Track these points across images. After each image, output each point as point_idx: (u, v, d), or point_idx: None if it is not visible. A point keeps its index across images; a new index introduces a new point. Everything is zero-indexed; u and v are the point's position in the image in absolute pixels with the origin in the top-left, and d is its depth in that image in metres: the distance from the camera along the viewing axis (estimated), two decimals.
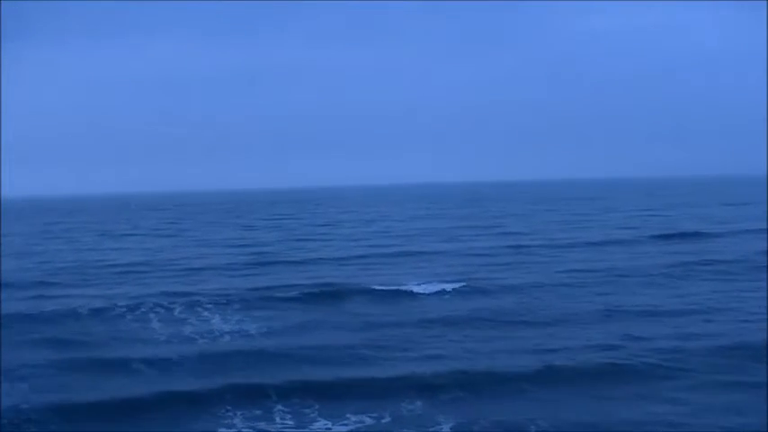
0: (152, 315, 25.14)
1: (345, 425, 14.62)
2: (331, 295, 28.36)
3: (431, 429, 14.32)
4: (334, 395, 16.09)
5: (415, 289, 29.26)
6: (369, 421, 14.75)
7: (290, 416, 15.08)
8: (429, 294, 28.27)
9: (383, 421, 14.75)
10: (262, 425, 14.68)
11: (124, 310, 25.79)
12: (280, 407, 15.52)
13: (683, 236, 48.64)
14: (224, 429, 14.54)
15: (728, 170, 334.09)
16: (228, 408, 15.46)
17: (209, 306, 26.25)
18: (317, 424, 14.74)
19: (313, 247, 48.53)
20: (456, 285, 29.48)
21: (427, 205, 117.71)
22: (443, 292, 28.56)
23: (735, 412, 14.62)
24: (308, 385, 16.64)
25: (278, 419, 14.95)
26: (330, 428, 14.54)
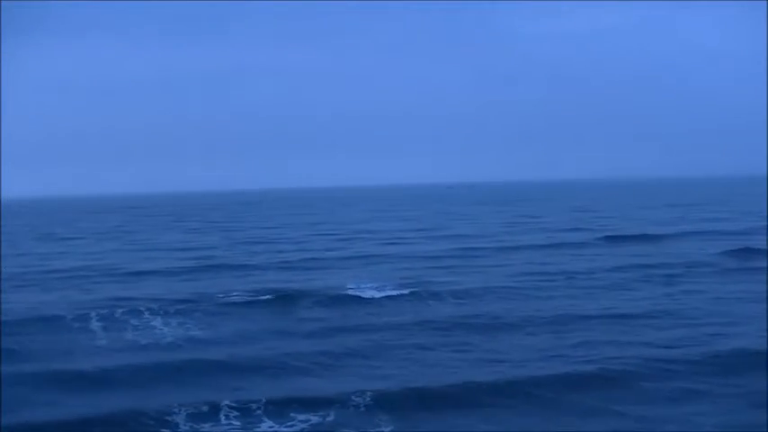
0: (90, 323, 24.23)
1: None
2: (278, 301, 27.76)
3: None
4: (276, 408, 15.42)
5: (363, 294, 28.81)
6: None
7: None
8: (377, 299, 27.80)
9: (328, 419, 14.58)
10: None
11: (60, 317, 24.85)
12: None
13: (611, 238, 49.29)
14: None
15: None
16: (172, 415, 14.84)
17: (152, 313, 25.46)
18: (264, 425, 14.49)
19: (261, 251, 47.86)
20: (405, 290, 29.10)
21: (381, 207, 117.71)
22: (391, 297, 28.12)
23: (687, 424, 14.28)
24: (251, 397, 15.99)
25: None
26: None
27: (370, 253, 44.30)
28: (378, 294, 28.58)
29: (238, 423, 14.61)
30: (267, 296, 28.52)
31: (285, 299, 27.95)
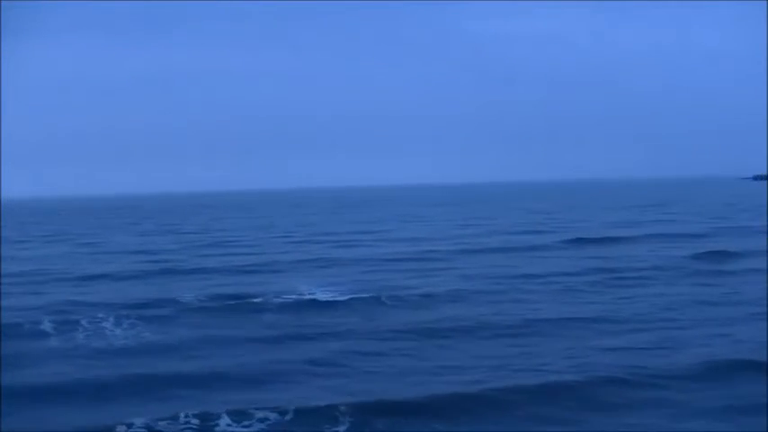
0: (38, 330, 23.58)
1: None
2: (231, 305, 27.38)
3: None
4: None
5: (318, 297, 28.55)
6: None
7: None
8: (330, 303, 27.51)
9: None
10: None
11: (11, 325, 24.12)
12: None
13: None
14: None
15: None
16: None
17: (102, 319, 24.80)
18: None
19: (215, 254, 47.37)
20: (360, 294, 28.85)
21: (333, 208, 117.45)
22: (345, 301, 27.78)
23: None
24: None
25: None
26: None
27: (326, 256, 44.01)
28: (331, 298, 28.31)
29: None
30: (221, 301, 28.18)
31: (238, 303, 27.59)
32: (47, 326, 23.92)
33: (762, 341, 19.99)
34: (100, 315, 25.38)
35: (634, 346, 20.05)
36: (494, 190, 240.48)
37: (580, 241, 48.67)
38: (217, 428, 14.43)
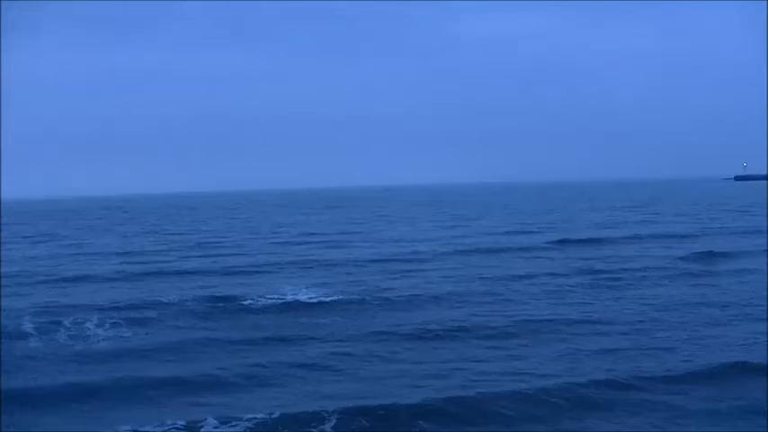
0: (20, 331, 23.23)
1: None
2: (217, 308, 27.04)
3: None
4: None
5: (302, 299, 28.32)
6: None
7: None
8: (318, 305, 27.24)
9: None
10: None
11: None
12: None
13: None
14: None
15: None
16: None
17: (84, 321, 24.48)
18: None
19: (199, 255, 47.07)
20: (347, 296, 28.65)
21: (305, 210, 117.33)
22: (330, 303, 27.54)
23: None
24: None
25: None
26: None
27: (311, 257, 43.74)
28: (316, 300, 28.09)
29: None
30: (205, 303, 27.88)
31: (222, 305, 27.34)
32: (28, 327, 23.64)
33: (750, 342, 19.96)
34: (82, 317, 25.11)
35: (623, 347, 19.96)
36: (474, 191, 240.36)
37: (566, 242, 48.59)
38: None
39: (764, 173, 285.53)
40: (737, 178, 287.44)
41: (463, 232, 60.90)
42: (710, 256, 39.24)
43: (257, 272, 37.95)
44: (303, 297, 28.61)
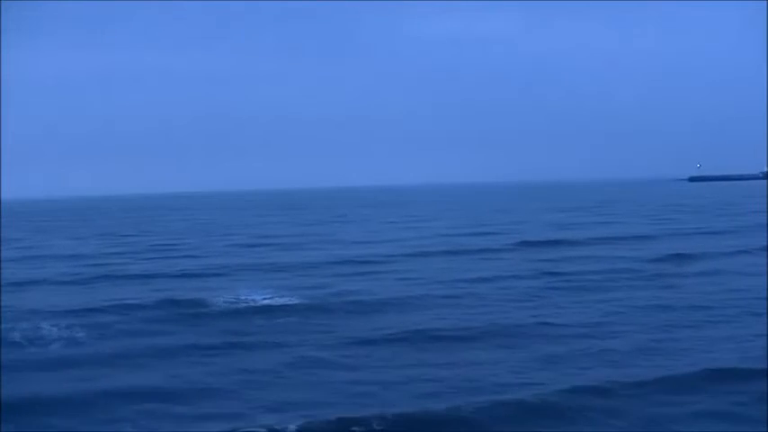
0: None
1: None
2: (172, 313, 26.43)
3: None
4: None
5: (262, 302, 27.85)
6: None
7: None
8: (274, 308, 26.67)
9: None
10: None
11: None
12: None
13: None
14: None
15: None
16: None
17: (34, 327, 23.60)
18: None
19: (156, 258, 46.32)
20: (302, 300, 28.14)
21: (262, 212, 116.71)
22: (284, 306, 26.95)
23: None
24: None
25: None
26: None
27: (270, 260, 43.17)
28: (273, 303, 27.60)
29: None
30: (159, 308, 27.24)
31: (177, 310, 26.74)
32: None
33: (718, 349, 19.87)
34: (32, 321, 24.27)
35: (581, 352, 19.76)
36: (435, 191, 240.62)
37: (527, 244, 48.47)
38: None
39: (718, 174, 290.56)
40: (692, 179, 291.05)
41: (426, 233, 60.61)
42: (679, 258, 39.21)
43: (217, 275, 37.25)
44: (262, 301, 28.10)
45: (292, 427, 14.13)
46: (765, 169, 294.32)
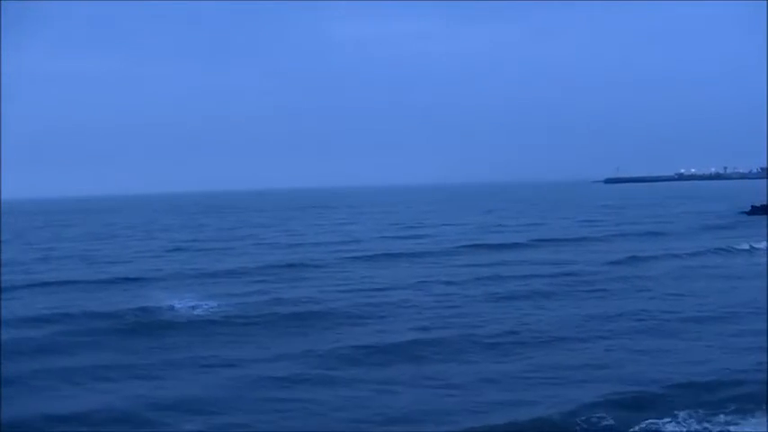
0: None
1: None
2: (83, 326, 24.38)
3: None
4: None
5: (186, 311, 26.48)
6: None
7: None
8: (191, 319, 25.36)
9: None
10: None
11: None
12: None
13: None
14: None
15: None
16: None
17: None
18: None
19: (67, 266, 43.67)
20: (238, 310, 26.56)
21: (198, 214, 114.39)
22: (221, 318, 25.41)
23: None
24: None
25: None
26: None
27: (195, 266, 41.07)
28: (204, 315, 25.98)
29: None
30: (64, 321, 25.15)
31: (89, 323, 24.78)
32: None
33: None
34: None
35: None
36: (342, 194, 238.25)
37: (477, 247, 47.68)
38: None
39: (634, 176, 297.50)
40: (608, 181, 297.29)
41: (343, 238, 58.83)
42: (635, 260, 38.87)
43: (137, 283, 35.04)
44: (188, 311, 26.56)
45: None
46: (681, 170, 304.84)
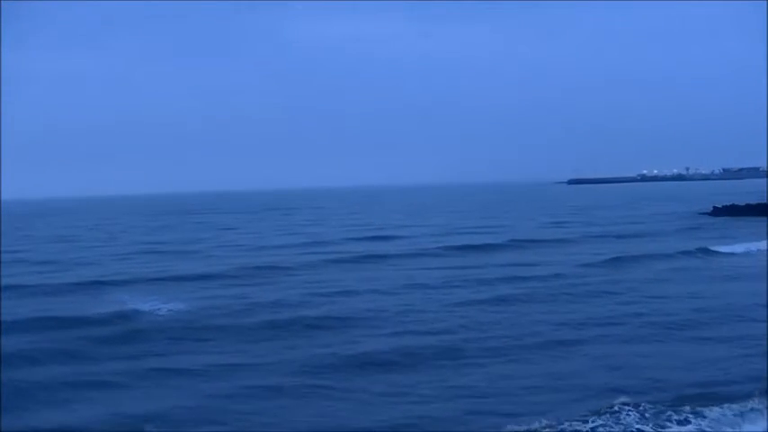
0: None
1: None
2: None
3: None
4: None
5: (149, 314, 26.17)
6: None
7: None
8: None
9: None
10: None
11: None
12: None
13: None
14: None
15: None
16: None
17: None
18: None
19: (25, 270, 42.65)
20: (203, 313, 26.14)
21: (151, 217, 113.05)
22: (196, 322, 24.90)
23: None
24: None
25: None
26: None
27: (155, 270, 40.31)
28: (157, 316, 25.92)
29: None
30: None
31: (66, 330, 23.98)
32: None
33: None
34: None
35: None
36: (300, 196, 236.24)
37: (464, 248, 47.38)
38: None
39: (596, 177, 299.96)
40: (570, 182, 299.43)
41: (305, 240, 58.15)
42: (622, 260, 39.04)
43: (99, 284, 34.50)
44: (152, 313, 26.23)
45: None
46: (644, 172, 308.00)
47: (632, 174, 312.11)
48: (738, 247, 42.72)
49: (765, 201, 76.71)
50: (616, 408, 14.84)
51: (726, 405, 14.96)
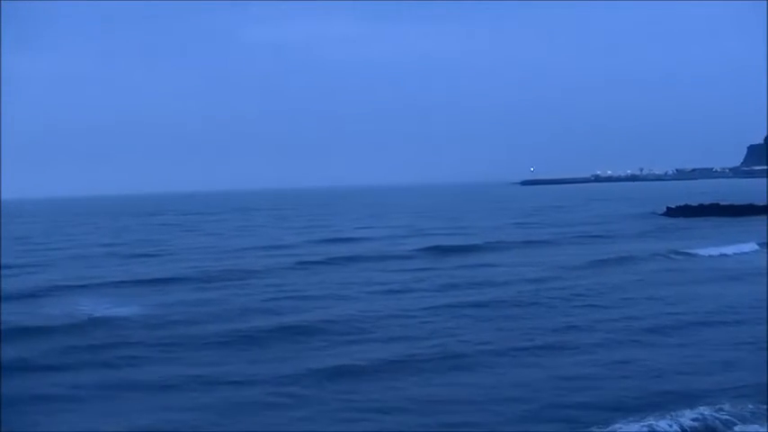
0: None
1: None
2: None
3: None
4: None
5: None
6: None
7: None
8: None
9: None
10: None
11: None
12: None
13: None
14: None
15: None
16: None
17: None
18: None
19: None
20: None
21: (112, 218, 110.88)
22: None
23: None
24: None
25: None
26: None
27: (117, 274, 38.63)
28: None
29: None
30: None
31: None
32: None
33: None
34: None
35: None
36: (250, 197, 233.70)
37: (436, 250, 46.40)
38: None
39: (550, 177, 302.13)
40: (524, 183, 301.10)
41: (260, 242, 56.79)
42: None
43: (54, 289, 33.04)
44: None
45: None
46: (598, 172, 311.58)
47: (586, 174, 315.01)
48: (713, 250, 42.46)
49: (717, 201, 78.71)
50: None
51: None
